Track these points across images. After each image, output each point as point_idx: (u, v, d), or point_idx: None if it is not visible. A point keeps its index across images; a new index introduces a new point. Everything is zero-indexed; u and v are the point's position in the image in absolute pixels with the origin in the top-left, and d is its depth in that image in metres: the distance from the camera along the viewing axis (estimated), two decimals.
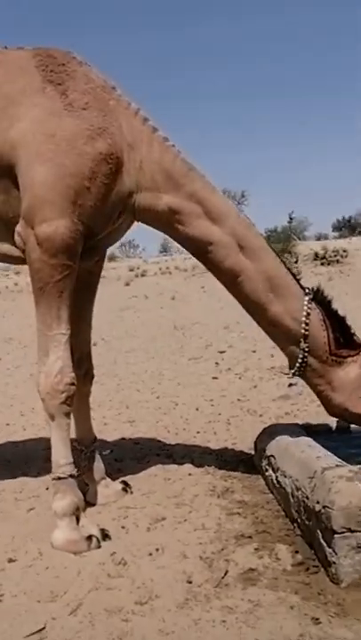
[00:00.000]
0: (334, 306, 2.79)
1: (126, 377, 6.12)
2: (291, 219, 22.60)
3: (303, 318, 2.67)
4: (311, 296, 2.73)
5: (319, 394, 2.81)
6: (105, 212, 2.53)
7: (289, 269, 2.78)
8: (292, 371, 2.80)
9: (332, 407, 2.80)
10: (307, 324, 2.67)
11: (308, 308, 2.69)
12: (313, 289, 2.77)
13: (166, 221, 2.67)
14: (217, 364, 6.41)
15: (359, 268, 17.77)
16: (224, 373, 5.94)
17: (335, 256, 20.09)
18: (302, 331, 2.67)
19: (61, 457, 2.51)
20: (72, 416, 2.75)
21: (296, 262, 18.13)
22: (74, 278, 2.49)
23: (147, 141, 2.61)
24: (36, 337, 2.52)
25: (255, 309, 2.75)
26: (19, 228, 2.49)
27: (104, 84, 2.60)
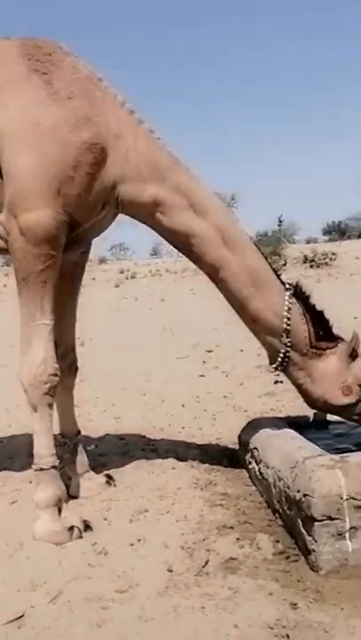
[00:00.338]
0: (312, 300, 2.80)
1: (113, 375, 6.11)
2: (280, 221, 22.72)
3: (285, 313, 2.68)
4: (292, 291, 2.75)
5: (299, 387, 2.82)
6: (89, 201, 2.52)
7: (270, 265, 2.79)
8: (274, 365, 2.81)
9: (313, 400, 2.81)
10: (289, 319, 2.69)
11: (290, 302, 2.70)
12: (292, 284, 2.79)
13: (150, 213, 2.67)
14: (204, 362, 6.42)
15: (347, 271, 17.85)
16: (211, 371, 5.95)
17: (324, 259, 20.25)
18: (284, 325, 2.69)
19: (43, 448, 2.51)
20: (55, 409, 2.76)
21: (284, 265, 18.24)
22: (57, 268, 2.48)
23: (133, 132, 2.61)
24: (20, 327, 2.52)
25: (238, 303, 2.75)
26: (2, 217, 2.48)
27: (91, 75, 2.60)
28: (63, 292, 2.75)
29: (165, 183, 2.63)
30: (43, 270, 2.43)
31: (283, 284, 2.76)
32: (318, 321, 2.76)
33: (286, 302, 2.69)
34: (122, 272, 25.40)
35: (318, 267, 19.71)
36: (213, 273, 2.72)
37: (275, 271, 2.79)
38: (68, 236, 2.53)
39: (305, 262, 20.52)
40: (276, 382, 4.95)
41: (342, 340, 2.78)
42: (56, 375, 2.51)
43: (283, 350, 2.72)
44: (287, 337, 2.70)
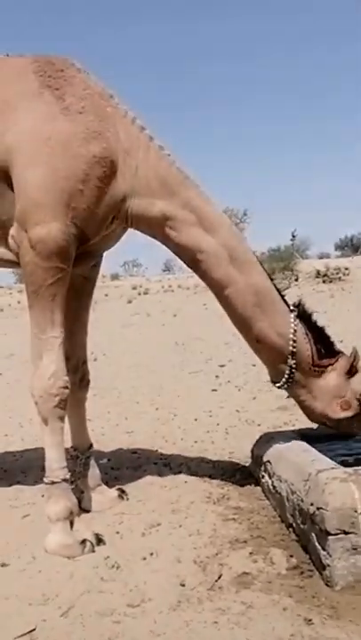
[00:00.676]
0: (314, 317, 2.84)
1: (126, 390, 6.10)
2: (293, 236, 22.71)
3: (291, 336, 2.71)
4: (296, 313, 2.77)
5: (300, 403, 2.87)
6: (98, 215, 2.54)
7: (275, 286, 2.81)
8: (278, 384, 2.84)
9: (314, 415, 2.86)
10: (294, 342, 2.72)
11: (295, 325, 2.73)
12: (295, 304, 2.81)
13: (159, 228, 2.69)
14: (217, 377, 6.40)
15: (360, 285, 17.75)
16: (223, 386, 5.93)
17: (337, 274, 20.14)
18: (290, 348, 2.72)
19: (55, 461, 2.50)
20: (68, 422, 2.76)
21: (296, 280, 18.21)
22: (67, 281, 2.50)
23: (143, 148, 2.64)
24: (30, 340, 2.53)
25: (242, 322, 2.77)
26: (13, 230, 2.51)
27: (102, 92, 2.64)
28: (74, 306, 2.77)
29: (175, 199, 2.65)
30: (52, 283, 2.45)
31: (287, 305, 2.79)
32: (320, 337, 2.80)
33: (292, 325, 2.72)
34: (134, 288, 25.47)
35: (331, 282, 19.61)
36: (219, 290, 2.74)
37: (279, 292, 2.81)
38: (78, 250, 2.55)
39: (318, 277, 20.44)
40: (288, 397, 4.91)
41: (343, 354, 2.82)
42: (66, 388, 2.51)
43: (288, 371, 2.77)
44: (292, 358, 2.73)
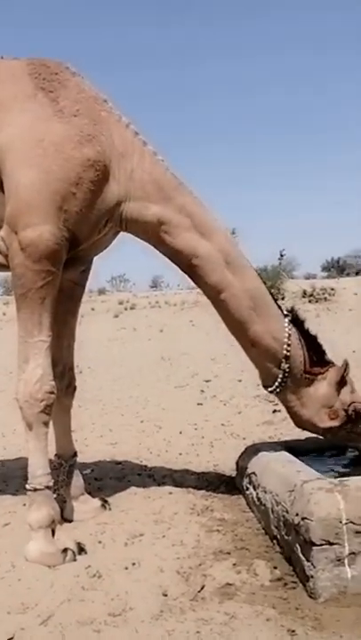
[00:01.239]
0: (307, 325, 2.86)
1: (111, 402, 6.06)
2: (282, 255, 22.86)
3: (285, 339, 2.72)
4: (290, 318, 2.78)
5: (289, 408, 2.87)
6: (91, 219, 2.54)
7: (269, 291, 2.82)
8: (270, 389, 2.84)
9: (301, 422, 2.87)
10: (289, 346, 2.73)
11: (289, 329, 2.74)
12: (289, 310, 2.83)
13: (154, 232, 2.68)
14: (202, 391, 6.37)
15: (346, 306, 17.91)
16: (209, 400, 5.90)
17: (323, 294, 20.31)
18: (284, 352, 2.73)
19: (38, 467, 2.46)
20: (52, 430, 2.73)
21: (283, 299, 18.31)
22: (57, 285, 2.48)
23: (138, 152, 2.64)
24: (17, 344, 2.50)
25: (237, 327, 2.77)
26: (2, 232, 2.49)
27: (96, 96, 2.65)
28: (63, 311, 2.75)
29: (170, 203, 2.65)
30: (42, 287, 2.43)
31: (280, 310, 2.80)
32: (312, 345, 2.81)
33: (286, 329, 2.73)
34: (121, 303, 25.43)
35: (317, 301, 19.75)
36: (215, 295, 2.74)
37: (273, 297, 2.82)
38: (69, 254, 2.54)
39: (304, 297, 20.58)
40: (274, 411, 4.91)
41: (333, 364, 2.84)
42: (52, 393, 2.49)
43: (280, 375, 2.76)
44: (286, 363, 2.73)
